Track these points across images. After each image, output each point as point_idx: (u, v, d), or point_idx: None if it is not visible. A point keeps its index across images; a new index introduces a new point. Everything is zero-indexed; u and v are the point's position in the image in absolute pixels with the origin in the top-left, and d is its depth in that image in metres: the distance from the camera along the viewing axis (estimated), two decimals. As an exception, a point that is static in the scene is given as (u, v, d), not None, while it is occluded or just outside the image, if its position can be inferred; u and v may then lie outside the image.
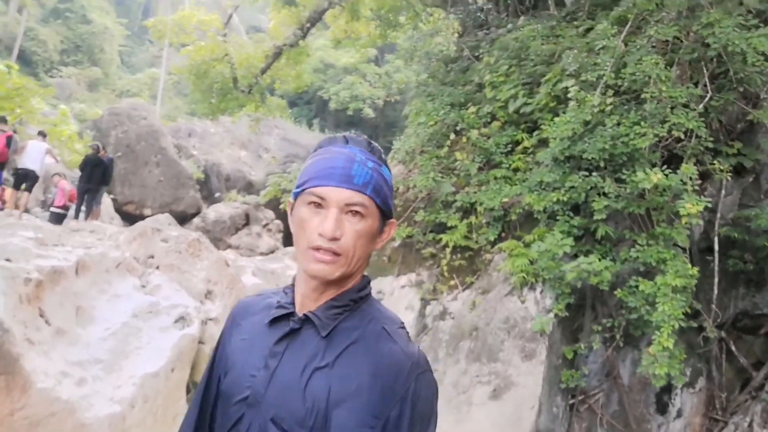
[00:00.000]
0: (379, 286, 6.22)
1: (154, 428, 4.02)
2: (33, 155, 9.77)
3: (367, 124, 27.30)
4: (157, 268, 5.36)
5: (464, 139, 6.39)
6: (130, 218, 12.98)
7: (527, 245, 5.08)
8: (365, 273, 1.19)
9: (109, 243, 5.53)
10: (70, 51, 34.60)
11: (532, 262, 4.83)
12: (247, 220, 15.02)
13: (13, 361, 3.13)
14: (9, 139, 9.37)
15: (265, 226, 15.23)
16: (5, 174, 10.08)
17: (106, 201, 11.82)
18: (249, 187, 16.53)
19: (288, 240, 15.38)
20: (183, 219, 14.51)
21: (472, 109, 6.48)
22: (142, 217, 11.08)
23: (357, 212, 1.09)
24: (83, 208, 10.56)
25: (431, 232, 5.90)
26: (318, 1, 12.22)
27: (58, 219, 10.46)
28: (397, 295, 6.01)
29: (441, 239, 5.68)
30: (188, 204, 15.47)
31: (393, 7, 10.88)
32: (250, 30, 30.29)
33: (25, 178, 9.72)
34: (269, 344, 1.13)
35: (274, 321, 1.15)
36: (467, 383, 4.71)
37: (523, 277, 4.81)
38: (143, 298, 4.69)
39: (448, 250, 5.54)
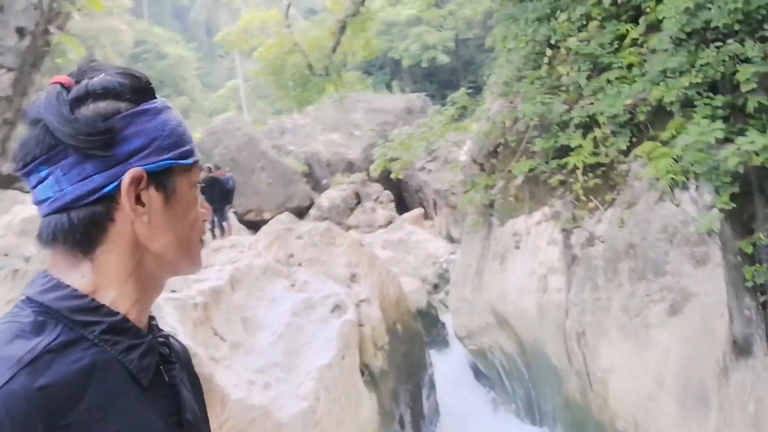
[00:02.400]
0: (512, 228, 5.99)
1: (342, 415, 4.21)
2: None
3: (445, 70, 26.52)
4: (300, 264, 5.57)
5: (563, 51, 5.91)
6: (253, 226, 13.64)
7: (666, 143, 4.61)
8: None
9: (251, 253, 5.82)
10: (157, 88, 36.03)
11: (677, 160, 4.37)
12: (359, 198, 15.27)
13: (208, 380, 3.38)
14: None
15: (376, 199, 15.40)
16: None
17: (232, 216, 12.49)
18: (350, 167, 16.74)
19: (402, 208, 15.42)
20: (300, 213, 15.05)
21: (563, 16, 5.95)
22: (264, 222, 11.56)
23: None
24: (216, 228, 11.23)
25: (553, 158, 5.55)
26: (367, -38, 11.85)
27: None
28: (534, 233, 5.75)
29: (567, 163, 5.32)
30: (301, 198, 15.99)
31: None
32: (306, 14, 30.43)
33: None
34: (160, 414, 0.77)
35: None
36: (638, 305, 4.40)
37: (672, 179, 4.38)
38: (297, 296, 4.89)
39: (578, 172, 5.18)
